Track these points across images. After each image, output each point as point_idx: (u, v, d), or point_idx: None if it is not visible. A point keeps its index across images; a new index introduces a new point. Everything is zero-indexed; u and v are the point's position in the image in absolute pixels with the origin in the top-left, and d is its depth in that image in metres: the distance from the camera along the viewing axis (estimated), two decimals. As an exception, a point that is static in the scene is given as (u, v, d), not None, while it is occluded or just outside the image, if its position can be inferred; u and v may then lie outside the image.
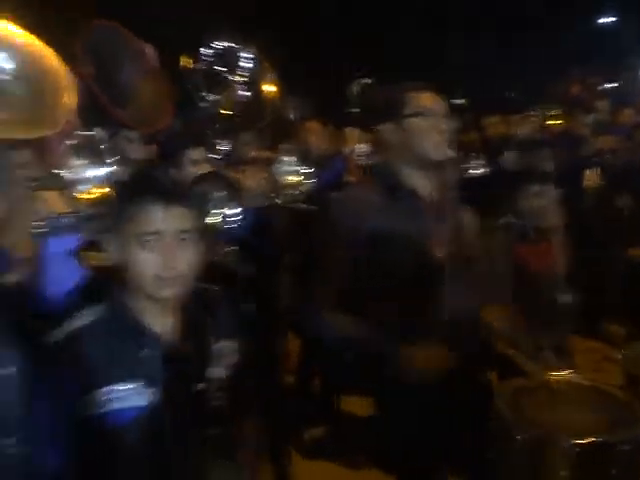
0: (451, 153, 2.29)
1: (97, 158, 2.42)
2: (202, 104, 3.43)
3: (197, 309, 1.71)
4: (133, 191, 1.67)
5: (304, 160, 3.19)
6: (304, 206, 3.21)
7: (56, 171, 2.37)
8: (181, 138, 3.43)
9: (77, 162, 2.39)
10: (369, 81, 5.65)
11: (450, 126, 2.29)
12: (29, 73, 2.25)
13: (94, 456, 1.58)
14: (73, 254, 2.21)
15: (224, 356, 1.72)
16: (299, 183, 3.08)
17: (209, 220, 2.54)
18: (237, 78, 3.51)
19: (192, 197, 1.70)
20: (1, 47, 2.24)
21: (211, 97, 3.44)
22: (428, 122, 2.26)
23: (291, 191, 3.04)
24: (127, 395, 1.56)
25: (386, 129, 2.33)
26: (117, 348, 1.59)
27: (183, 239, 1.59)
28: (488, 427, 2.24)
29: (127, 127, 3.31)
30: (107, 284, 1.67)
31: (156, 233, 1.56)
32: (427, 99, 2.30)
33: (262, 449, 3.18)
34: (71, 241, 2.23)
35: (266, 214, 3.04)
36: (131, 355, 1.60)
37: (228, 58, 3.51)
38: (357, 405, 4.19)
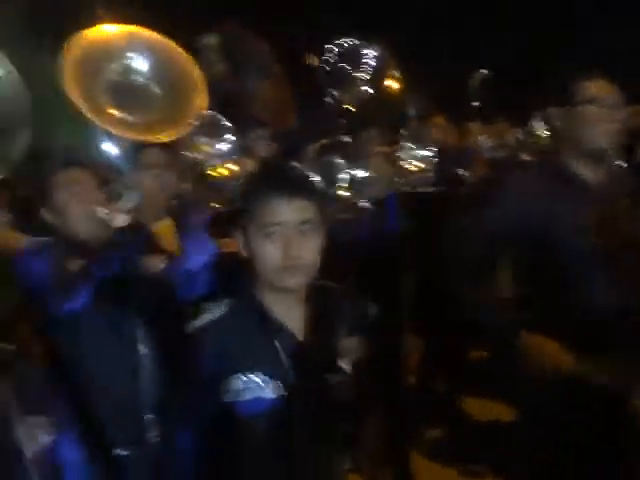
0: (620, 142, 2.30)
1: (219, 136, 2.51)
2: (327, 101, 3.45)
3: (322, 303, 1.72)
4: (258, 184, 1.71)
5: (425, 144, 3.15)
6: (433, 189, 3.17)
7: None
8: (304, 135, 3.46)
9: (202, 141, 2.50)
10: (489, 74, 5.50)
11: (621, 115, 2.28)
12: (164, 75, 2.32)
13: (223, 444, 1.62)
14: (204, 230, 2.33)
15: (349, 352, 1.72)
16: (423, 168, 3.05)
17: (338, 190, 2.53)
18: (362, 75, 3.51)
19: (313, 187, 1.74)
20: (136, 49, 2.31)
21: (336, 94, 3.45)
22: (601, 110, 2.25)
23: (417, 176, 3.01)
24: (257, 386, 1.59)
25: (556, 115, 2.34)
26: (248, 340, 1.63)
27: (305, 230, 1.62)
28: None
29: (258, 125, 3.41)
30: (237, 274, 1.72)
31: (279, 224, 1.60)
32: (601, 87, 2.29)
33: (382, 448, 3.14)
34: (202, 219, 2.36)
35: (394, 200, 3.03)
36: (262, 347, 1.63)
37: (353, 55, 3.51)
38: (481, 408, 4.12)
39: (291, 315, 1.68)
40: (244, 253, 1.67)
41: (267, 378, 1.60)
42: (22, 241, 2.50)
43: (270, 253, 1.61)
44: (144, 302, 2.23)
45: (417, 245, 3.62)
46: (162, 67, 2.38)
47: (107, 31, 2.30)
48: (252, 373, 1.60)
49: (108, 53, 2.28)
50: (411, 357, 4.07)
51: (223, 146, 2.50)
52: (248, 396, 1.59)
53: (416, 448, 3.88)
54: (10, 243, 2.59)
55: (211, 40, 4.14)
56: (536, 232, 2.23)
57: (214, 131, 2.54)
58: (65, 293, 2.13)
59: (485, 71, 5.36)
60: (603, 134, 2.27)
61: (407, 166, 2.97)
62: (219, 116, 2.58)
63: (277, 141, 3.61)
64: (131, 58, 2.33)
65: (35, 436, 1.21)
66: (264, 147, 3.40)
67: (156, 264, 2.29)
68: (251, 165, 2.75)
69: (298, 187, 1.66)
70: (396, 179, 2.95)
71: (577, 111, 2.28)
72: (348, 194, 2.52)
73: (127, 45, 2.32)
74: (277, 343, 1.63)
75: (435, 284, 3.67)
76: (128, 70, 2.31)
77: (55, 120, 2.53)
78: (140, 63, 2.34)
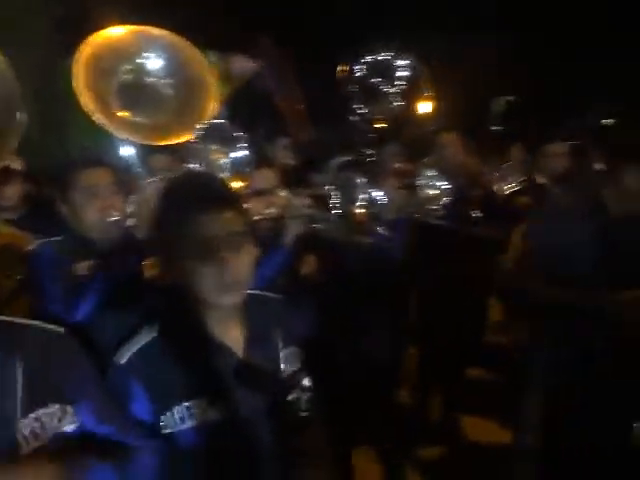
0: None
1: (227, 147, 2.53)
2: (355, 114, 3.47)
3: (262, 315, 1.64)
4: (179, 200, 1.54)
5: (445, 175, 3.16)
6: (442, 222, 3.18)
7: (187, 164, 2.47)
8: (326, 146, 3.50)
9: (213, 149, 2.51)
10: (512, 99, 5.52)
11: None
12: (177, 76, 2.33)
13: (179, 472, 1.51)
14: None
15: (290, 363, 1.65)
16: (438, 198, 3.06)
17: (355, 209, 2.56)
18: (392, 90, 3.52)
19: (237, 198, 1.61)
20: (150, 48, 2.30)
21: (364, 107, 3.47)
22: None
23: (430, 206, 3.02)
24: (200, 411, 1.49)
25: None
26: (185, 363, 1.52)
27: (237, 243, 1.50)
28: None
29: (286, 134, 3.48)
30: (167, 295, 1.62)
31: (210, 240, 1.47)
32: None
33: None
34: None
35: (403, 226, 3.06)
36: (201, 368, 1.53)
37: (384, 69, 3.52)
38: (480, 429, 4.13)
39: (229, 332, 1.58)
40: (171, 274, 1.55)
41: (212, 401, 1.51)
42: (29, 242, 2.49)
43: (204, 272, 1.48)
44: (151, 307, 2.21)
45: (418, 272, 3.66)
46: (175, 67, 2.33)
47: (119, 32, 2.28)
48: (195, 398, 1.49)
49: (120, 53, 2.26)
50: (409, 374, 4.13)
51: (234, 155, 2.49)
52: (192, 423, 1.48)
53: (411, 467, 3.92)
54: (19, 243, 2.59)
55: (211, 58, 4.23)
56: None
57: (225, 140, 2.54)
58: (74, 297, 2.14)
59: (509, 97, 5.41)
60: None
61: (423, 193, 2.98)
62: (231, 125, 2.58)
63: (298, 152, 3.67)
64: (145, 58, 2.28)
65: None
66: (287, 157, 3.46)
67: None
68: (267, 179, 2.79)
69: (223, 198, 1.53)
70: (410, 204, 2.96)
71: None
72: (364, 212, 2.54)
73: (140, 44, 2.28)
74: (219, 363, 1.54)
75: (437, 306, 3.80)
76: (140, 70, 2.28)
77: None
78: (153, 62, 2.29)
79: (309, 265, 2.76)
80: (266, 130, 3.66)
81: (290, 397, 1.52)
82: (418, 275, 3.68)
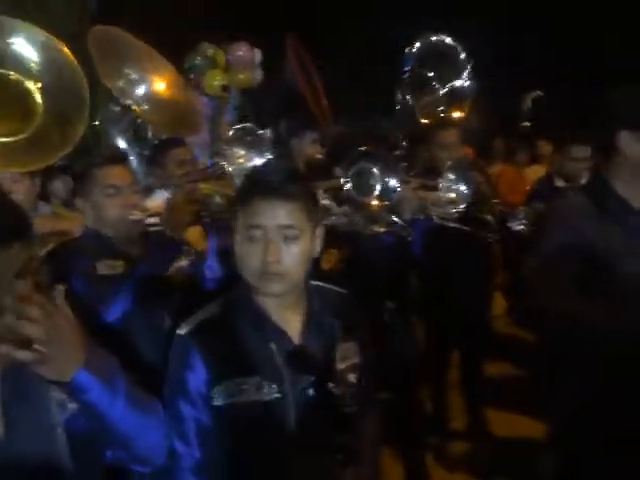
0: None
1: (257, 150, 2.53)
2: (401, 106, 3.45)
3: (321, 306, 1.67)
4: (245, 185, 1.64)
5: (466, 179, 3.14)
6: (457, 225, 3.16)
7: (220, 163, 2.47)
8: (350, 139, 3.49)
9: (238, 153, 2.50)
10: (541, 94, 5.46)
11: None
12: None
13: (222, 447, 1.57)
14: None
15: (346, 357, 1.65)
16: (458, 201, 3.04)
17: (372, 201, 2.57)
18: (439, 85, 3.50)
19: (301, 193, 1.61)
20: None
21: (410, 99, 3.45)
22: None
23: (449, 208, 3.01)
24: (252, 389, 1.54)
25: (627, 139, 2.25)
26: (243, 341, 1.58)
27: (287, 235, 1.55)
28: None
29: (314, 128, 3.48)
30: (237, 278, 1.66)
31: (259, 227, 1.54)
32: None
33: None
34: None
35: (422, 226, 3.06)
36: (257, 349, 1.58)
37: (432, 63, 3.50)
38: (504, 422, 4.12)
39: (287, 318, 1.62)
40: (237, 253, 1.61)
41: (262, 381, 1.55)
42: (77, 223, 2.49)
43: (249, 256, 1.56)
44: (179, 303, 2.25)
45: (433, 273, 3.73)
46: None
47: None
48: (247, 376, 1.55)
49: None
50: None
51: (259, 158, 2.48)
52: (243, 399, 1.54)
53: (437, 461, 3.90)
54: (63, 226, 2.58)
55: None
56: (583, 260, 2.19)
57: (250, 143, 2.51)
58: (104, 296, 2.13)
59: (539, 92, 5.35)
60: None
61: (443, 196, 2.97)
62: (255, 128, 2.58)
63: (324, 145, 3.67)
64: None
65: (65, 404, 1.28)
66: (316, 151, 3.46)
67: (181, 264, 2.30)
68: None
69: (283, 191, 1.56)
70: (430, 206, 2.93)
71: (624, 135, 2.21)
72: (378, 203, 2.53)
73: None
74: (273, 346, 1.58)
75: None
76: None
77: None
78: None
79: (329, 259, 2.77)
80: (291, 125, 3.66)
81: (341, 390, 1.57)
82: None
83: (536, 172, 5.95)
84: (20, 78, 1.98)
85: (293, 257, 1.55)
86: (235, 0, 8.21)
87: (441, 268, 3.73)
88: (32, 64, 1.98)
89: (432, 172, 3.34)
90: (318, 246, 1.65)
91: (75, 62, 2.06)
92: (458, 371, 4.27)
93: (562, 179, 4.12)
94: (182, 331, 1.58)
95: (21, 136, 2.00)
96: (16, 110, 2.02)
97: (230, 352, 1.55)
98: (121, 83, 3.00)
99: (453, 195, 2.92)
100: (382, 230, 2.65)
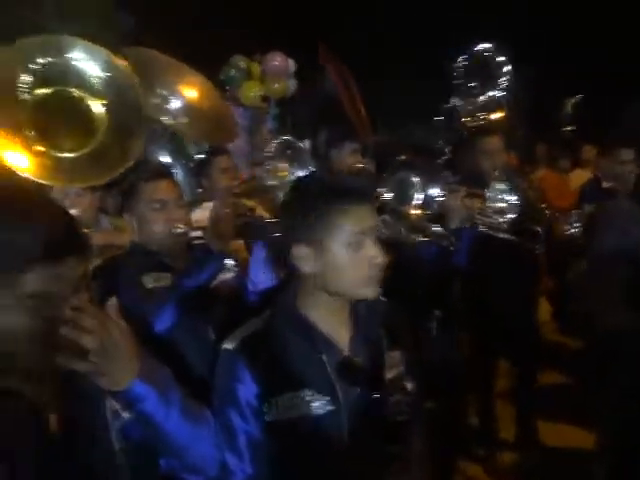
0: None
1: (298, 162, 2.53)
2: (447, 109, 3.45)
3: (368, 316, 1.65)
4: (326, 196, 1.56)
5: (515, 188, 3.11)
6: (506, 236, 3.13)
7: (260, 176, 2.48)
8: (391, 148, 3.50)
9: (280, 167, 2.52)
10: (582, 97, 5.39)
11: None
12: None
13: (274, 463, 1.54)
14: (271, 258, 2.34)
15: (395, 366, 1.63)
16: (507, 211, 3.01)
17: (412, 210, 2.57)
18: (483, 91, 3.49)
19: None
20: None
21: (457, 104, 3.44)
22: None
23: (496, 218, 2.98)
24: (304, 403, 1.51)
25: None
26: (292, 355, 1.55)
27: (377, 236, 1.56)
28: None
29: (353, 138, 3.51)
30: (282, 291, 1.66)
31: (363, 233, 1.52)
32: None
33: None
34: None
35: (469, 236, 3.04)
36: (308, 362, 1.54)
37: (478, 69, 3.49)
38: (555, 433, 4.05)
39: (336, 329, 1.60)
40: (309, 269, 1.56)
41: (315, 394, 1.52)
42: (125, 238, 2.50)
43: (357, 264, 1.52)
44: (222, 315, 2.25)
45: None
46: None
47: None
48: (298, 389, 1.52)
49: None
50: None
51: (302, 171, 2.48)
52: (295, 413, 1.51)
53: (486, 473, 3.86)
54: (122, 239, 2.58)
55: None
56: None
57: (291, 156, 2.53)
58: (152, 310, 2.14)
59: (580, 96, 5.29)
60: None
61: (491, 206, 2.95)
62: (294, 140, 2.59)
63: (364, 155, 3.68)
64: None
65: (118, 413, 1.31)
66: (357, 160, 3.48)
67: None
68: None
69: (368, 193, 1.61)
70: (477, 216, 2.90)
71: None
72: (418, 212, 2.53)
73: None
74: (324, 357, 1.55)
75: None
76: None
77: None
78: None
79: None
80: (330, 135, 3.69)
81: (391, 399, 1.54)
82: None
83: (580, 177, 5.90)
84: (83, 95, 2.03)
85: (382, 261, 1.55)
86: (266, 13, 8.30)
87: (486, 276, 3.66)
88: (94, 80, 2.04)
89: (476, 179, 3.32)
90: None
91: (134, 78, 2.11)
92: (505, 380, 4.22)
93: (610, 181, 4.04)
94: (229, 346, 1.56)
95: (83, 152, 2.05)
96: (79, 126, 2.06)
97: (279, 366, 1.52)
98: (156, 100, 3.05)
99: (502, 205, 2.88)
100: (424, 239, 2.63)
